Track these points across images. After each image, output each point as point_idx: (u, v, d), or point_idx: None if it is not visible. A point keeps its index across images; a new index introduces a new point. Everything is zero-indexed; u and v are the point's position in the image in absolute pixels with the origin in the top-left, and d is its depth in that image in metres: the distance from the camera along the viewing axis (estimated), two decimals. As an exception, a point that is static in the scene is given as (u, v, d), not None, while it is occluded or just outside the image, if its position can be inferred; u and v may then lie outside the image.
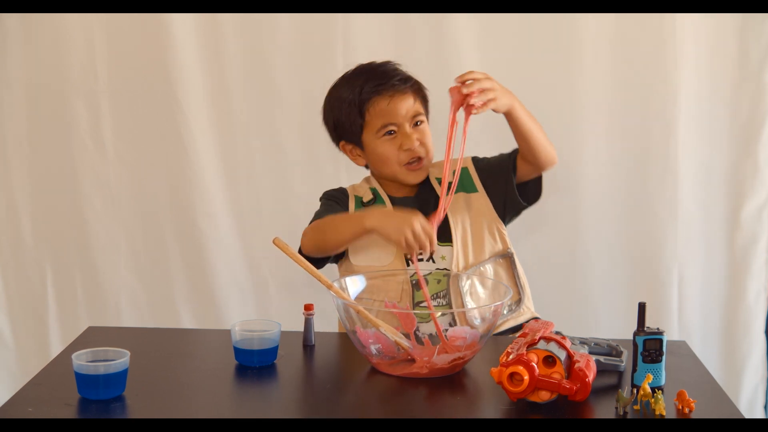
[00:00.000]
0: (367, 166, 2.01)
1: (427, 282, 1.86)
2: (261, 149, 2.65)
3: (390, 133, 1.90)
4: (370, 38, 2.55)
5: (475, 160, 2.00)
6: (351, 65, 2.61)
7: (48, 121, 2.66)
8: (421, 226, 1.68)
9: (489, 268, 1.85)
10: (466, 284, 1.82)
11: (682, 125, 2.55)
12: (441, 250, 1.90)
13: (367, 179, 2.02)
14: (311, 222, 1.90)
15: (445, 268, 1.88)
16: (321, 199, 2.00)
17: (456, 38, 2.53)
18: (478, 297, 1.77)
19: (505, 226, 1.96)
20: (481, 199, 1.94)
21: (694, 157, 2.59)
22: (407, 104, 1.90)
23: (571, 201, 2.61)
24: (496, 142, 2.58)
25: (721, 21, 2.51)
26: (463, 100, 1.71)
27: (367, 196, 1.96)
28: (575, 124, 2.58)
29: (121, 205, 2.70)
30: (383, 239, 1.74)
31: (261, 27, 2.58)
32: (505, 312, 1.90)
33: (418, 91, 1.94)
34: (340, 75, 1.99)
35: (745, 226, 2.59)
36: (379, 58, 1.99)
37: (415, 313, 1.73)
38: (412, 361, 1.60)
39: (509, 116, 1.79)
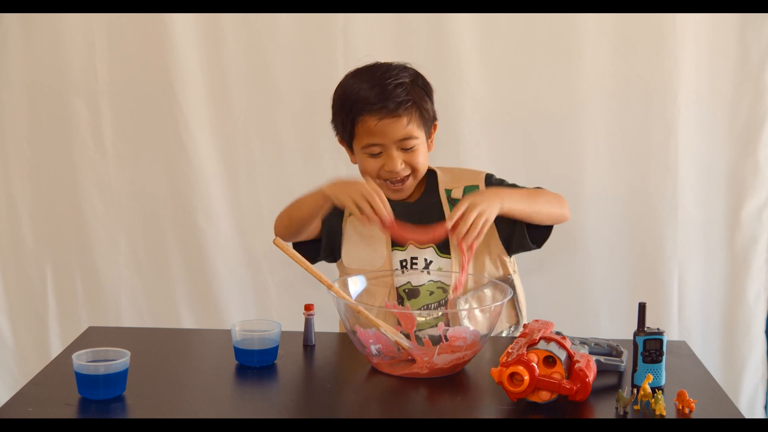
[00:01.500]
0: None
1: (419, 293, 1.86)
2: (261, 149, 2.65)
3: (375, 155, 1.85)
4: (370, 38, 2.55)
5: (488, 181, 1.94)
6: (351, 65, 2.61)
7: (48, 121, 2.66)
8: (369, 188, 1.71)
9: (488, 293, 1.80)
10: (464, 309, 1.81)
11: (682, 125, 2.55)
12: (439, 262, 1.89)
13: (367, 179, 2.00)
14: None
15: (440, 281, 1.86)
16: None
17: (456, 38, 2.53)
18: (476, 321, 1.74)
19: (510, 256, 1.93)
20: None
21: (694, 157, 2.58)
22: (397, 127, 1.82)
23: (571, 201, 2.60)
24: (495, 143, 2.60)
25: (721, 21, 2.51)
26: (460, 241, 1.70)
27: None
28: (575, 124, 2.58)
29: (121, 205, 2.69)
30: (339, 204, 1.77)
31: (261, 27, 2.58)
32: (504, 334, 1.90)
33: (415, 110, 1.83)
34: (357, 66, 1.93)
35: (745, 226, 2.59)
36: (392, 58, 1.95)
37: (419, 321, 1.73)
38: (413, 361, 1.60)
39: (503, 213, 1.77)
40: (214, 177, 2.66)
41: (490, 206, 1.71)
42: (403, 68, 1.88)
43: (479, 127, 2.59)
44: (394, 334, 1.61)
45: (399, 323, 1.70)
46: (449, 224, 1.70)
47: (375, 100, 1.82)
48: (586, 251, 2.64)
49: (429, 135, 1.92)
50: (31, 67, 2.64)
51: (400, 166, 1.85)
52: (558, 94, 2.57)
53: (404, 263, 1.89)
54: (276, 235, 1.88)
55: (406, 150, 1.85)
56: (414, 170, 1.87)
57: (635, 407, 1.45)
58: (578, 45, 2.54)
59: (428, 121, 1.89)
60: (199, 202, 2.66)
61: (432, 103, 1.91)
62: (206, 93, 2.62)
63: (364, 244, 1.90)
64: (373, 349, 1.61)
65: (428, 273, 1.87)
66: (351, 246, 1.91)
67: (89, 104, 2.64)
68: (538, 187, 1.93)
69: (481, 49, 2.55)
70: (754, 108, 2.54)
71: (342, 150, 2.62)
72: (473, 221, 1.68)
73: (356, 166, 1.97)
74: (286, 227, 1.88)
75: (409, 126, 1.83)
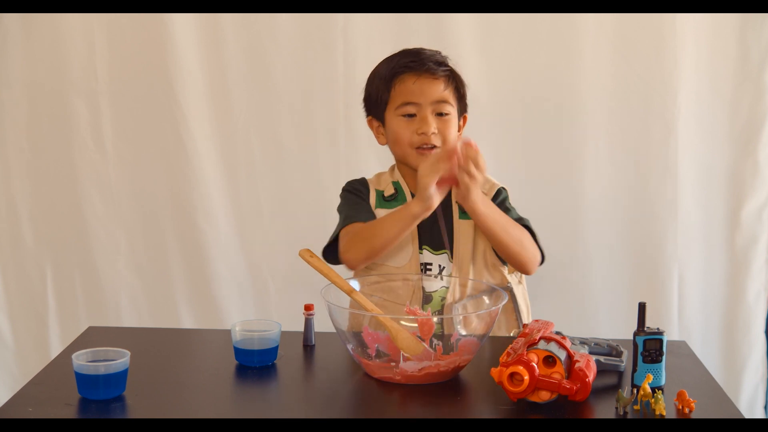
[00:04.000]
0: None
1: (432, 299, 1.86)
2: (261, 149, 2.65)
3: (409, 115, 1.86)
4: (370, 38, 2.55)
5: (496, 197, 1.92)
6: (351, 65, 2.62)
7: (48, 121, 2.66)
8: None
9: (486, 300, 1.77)
10: (459, 314, 1.80)
11: (682, 125, 2.55)
12: (449, 268, 1.89)
13: (392, 170, 1.98)
14: (341, 224, 1.87)
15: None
16: (343, 192, 1.98)
17: (456, 38, 2.53)
18: (471, 327, 1.73)
19: (505, 265, 1.91)
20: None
21: (694, 157, 2.59)
22: (434, 88, 1.85)
23: (571, 201, 2.61)
24: (494, 143, 2.60)
25: (721, 21, 2.51)
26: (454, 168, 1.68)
27: (389, 191, 1.93)
28: (575, 124, 2.58)
29: (121, 205, 2.69)
30: (436, 197, 1.71)
31: (261, 27, 2.58)
32: None
33: (452, 80, 1.88)
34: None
35: (745, 226, 2.59)
36: (377, 58, 1.96)
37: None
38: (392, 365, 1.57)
39: (471, 214, 1.76)
40: (214, 177, 2.66)
41: (478, 191, 1.72)
42: (441, 55, 1.92)
43: (479, 127, 2.58)
44: (408, 349, 1.59)
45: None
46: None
47: (416, 59, 1.86)
48: (586, 251, 2.64)
49: (460, 118, 1.92)
50: (31, 67, 2.64)
51: (432, 129, 1.84)
52: (558, 94, 2.57)
53: (421, 268, 1.88)
54: (351, 265, 1.84)
55: (440, 115, 1.86)
56: (444, 141, 1.86)
57: (635, 407, 1.45)
58: (578, 45, 2.55)
59: (461, 103, 1.91)
60: (199, 202, 2.66)
61: (465, 96, 1.93)
62: (206, 93, 2.62)
63: None
64: (378, 348, 1.59)
65: (441, 279, 1.87)
66: None
67: (89, 104, 2.64)
68: (520, 219, 1.89)
69: (481, 49, 2.56)
70: (754, 108, 2.54)
71: (341, 151, 2.64)
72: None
73: (377, 151, 1.94)
74: (367, 255, 1.81)
75: (445, 91, 1.85)
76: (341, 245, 1.85)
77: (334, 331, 1.65)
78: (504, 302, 1.64)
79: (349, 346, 1.61)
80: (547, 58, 2.56)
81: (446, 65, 1.89)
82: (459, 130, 1.93)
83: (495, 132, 2.60)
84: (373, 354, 1.60)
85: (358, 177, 2.02)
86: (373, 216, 1.89)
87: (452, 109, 1.88)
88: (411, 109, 1.86)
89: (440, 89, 1.85)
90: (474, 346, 1.60)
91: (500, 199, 1.92)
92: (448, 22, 2.53)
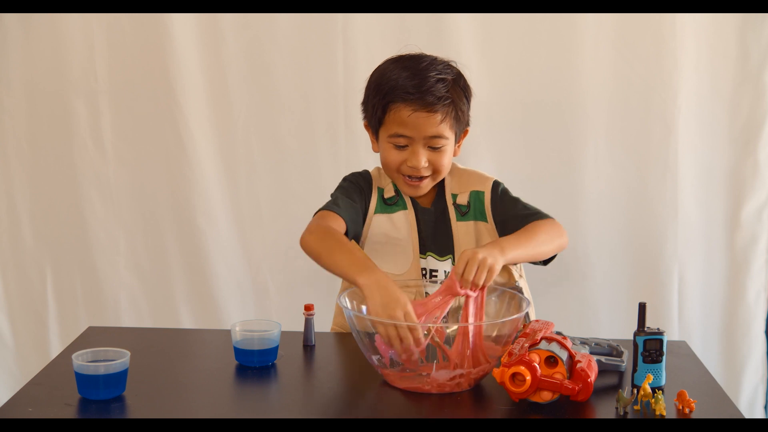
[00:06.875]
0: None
1: None
2: (261, 149, 2.65)
3: (400, 146, 1.80)
4: (370, 38, 2.55)
5: (494, 190, 1.89)
6: (351, 65, 2.61)
7: (48, 121, 2.66)
8: (406, 318, 1.51)
9: (493, 300, 1.73)
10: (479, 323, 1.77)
11: (682, 125, 2.55)
12: None
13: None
14: (324, 206, 1.82)
15: None
16: (343, 180, 1.93)
17: (456, 38, 2.53)
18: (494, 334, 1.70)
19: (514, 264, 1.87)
20: (490, 231, 1.87)
21: (694, 157, 2.59)
22: (430, 123, 1.75)
23: (571, 201, 2.61)
24: (494, 144, 2.60)
25: (721, 21, 2.51)
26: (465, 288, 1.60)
27: (389, 192, 1.90)
28: (575, 123, 2.58)
29: (121, 205, 2.69)
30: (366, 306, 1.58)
31: (261, 27, 2.58)
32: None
33: (451, 109, 1.78)
34: (397, 54, 1.84)
35: (745, 227, 2.59)
36: (377, 58, 1.91)
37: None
38: (422, 375, 1.55)
39: (507, 262, 1.67)
40: (214, 177, 2.66)
41: (491, 254, 1.62)
42: (447, 65, 1.82)
43: (479, 127, 2.58)
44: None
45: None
46: (456, 276, 1.59)
47: (413, 90, 1.75)
48: (586, 251, 2.64)
49: (458, 139, 1.86)
50: (31, 67, 2.63)
51: (423, 164, 1.79)
52: (558, 94, 2.57)
53: (424, 272, 1.86)
54: (303, 247, 1.74)
55: (433, 149, 1.79)
56: (435, 171, 1.82)
57: (635, 407, 1.45)
58: (578, 45, 2.54)
59: (461, 125, 1.84)
60: (199, 202, 2.66)
61: (468, 107, 1.85)
62: (206, 93, 2.62)
63: (391, 246, 1.86)
64: (392, 355, 1.55)
65: None
66: (375, 246, 1.87)
67: (89, 104, 2.64)
68: (536, 212, 1.86)
69: (481, 49, 2.55)
70: (754, 108, 2.54)
71: (341, 151, 2.64)
72: (479, 266, 1.59)
73: (377, 156, 1.92)
74: (312, 256, 1.72)
75: (441, 124, 1.77)
76: (308, 225, 1.77)
77: (334, 331, 1.65)
78: (528, 308, 1.61)
79: (375, 358, 1.57)
80: (547, 58, 2.56)
81: (448, 95, 1.76)
82: (458, 144, 1.87)
83: (495, 132, 2.59)
84: (388, 363, 1.56)
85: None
86: (357, 214, 1.84)
87: (447, 141, 1.80)
88: (402, 141, 1.79)
89: (436, 123, 1.76)
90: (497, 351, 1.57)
91: (500, 192, 1.89)
92: (448, 22, 2.53)
